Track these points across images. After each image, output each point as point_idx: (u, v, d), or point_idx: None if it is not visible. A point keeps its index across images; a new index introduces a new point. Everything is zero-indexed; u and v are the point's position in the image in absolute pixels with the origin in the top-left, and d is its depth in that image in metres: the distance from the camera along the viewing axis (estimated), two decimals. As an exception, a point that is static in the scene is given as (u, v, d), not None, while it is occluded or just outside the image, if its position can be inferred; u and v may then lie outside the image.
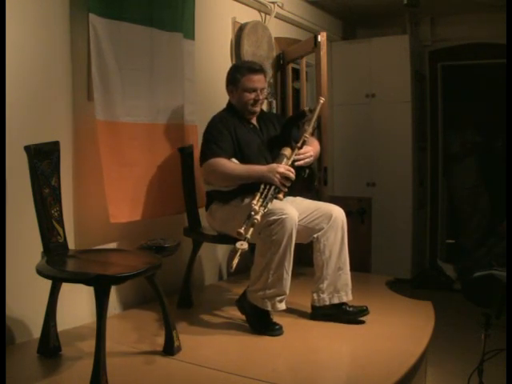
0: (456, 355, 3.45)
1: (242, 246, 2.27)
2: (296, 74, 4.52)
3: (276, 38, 4.22)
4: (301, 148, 2.73)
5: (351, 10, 5.24)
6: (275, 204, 2.52)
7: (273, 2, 4.14)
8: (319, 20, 4.96)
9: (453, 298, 4.37)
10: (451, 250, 5.98)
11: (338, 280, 2.75)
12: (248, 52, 3.85)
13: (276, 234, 2.48)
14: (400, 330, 2.69)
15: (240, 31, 3.84)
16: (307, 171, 2.76)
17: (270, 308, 2.59)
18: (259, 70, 2.87)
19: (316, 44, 3.71)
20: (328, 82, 3.90)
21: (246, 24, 3.86)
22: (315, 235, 2.75)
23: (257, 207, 2.41)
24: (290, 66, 4.35)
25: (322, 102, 2.91)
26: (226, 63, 3.80)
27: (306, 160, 2.73)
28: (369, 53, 5.26)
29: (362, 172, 5.30)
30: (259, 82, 2.85)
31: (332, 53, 5.28)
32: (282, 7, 4.24)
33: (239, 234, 2.32)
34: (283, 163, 2.64)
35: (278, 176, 2.56)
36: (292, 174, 2.60)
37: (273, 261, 2.52)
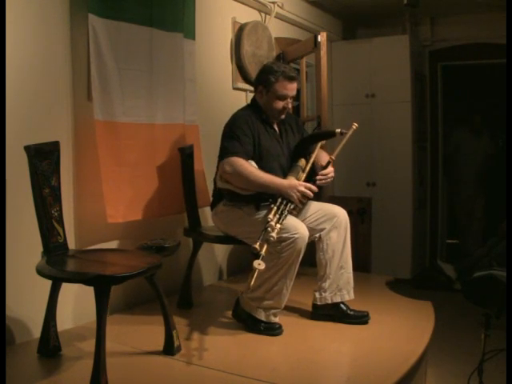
0: (456, 355, 3.45)
1: (260, 265, 2.21)
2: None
3: (276, 38, 4.22)
4: (325, 168, 2.69)
5: (351, 10, 5.24)
6: (288, 219, 2.49)
7: (273, 2, 4.14)
8: (319, 20, 4.96)
9: (453, 298, 4.37)
10: (451, 250, 5.98)
11: (341, 279, 2.76)
12: (248, 52, 3.85)
13: (286, 251, 2.48)
14: (400, 330, 2.69)
15: (240, 31, 3.84)
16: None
17: (263, 318, 2.59)
18: (294, 77, 2.75)
19: (316, 44, 3.71)
20: (328, 81, 3.90)
21: (245, 24, 3.86)
22: (317, 235, 2.76)
23: (273, 223, 2.36)
24: (290, 66, 4.34)
25: (354, 128, 2.70)
26: (226, 63, 3.80)
27: (328, 181, 2.72)
28: (369, 53, 5.27)
29: (362, 172, 5.31)
30: (292, 90, 2.75)
31: (332, 53, 5.29)
32: (281, 7, 4.24)
33: (254, 249, 2.26)
34: (298, 175, 2.65)
35: (298, 194, 2.53)
36: (311, 194, 2.57)
37: (276, 275, 2.53)
